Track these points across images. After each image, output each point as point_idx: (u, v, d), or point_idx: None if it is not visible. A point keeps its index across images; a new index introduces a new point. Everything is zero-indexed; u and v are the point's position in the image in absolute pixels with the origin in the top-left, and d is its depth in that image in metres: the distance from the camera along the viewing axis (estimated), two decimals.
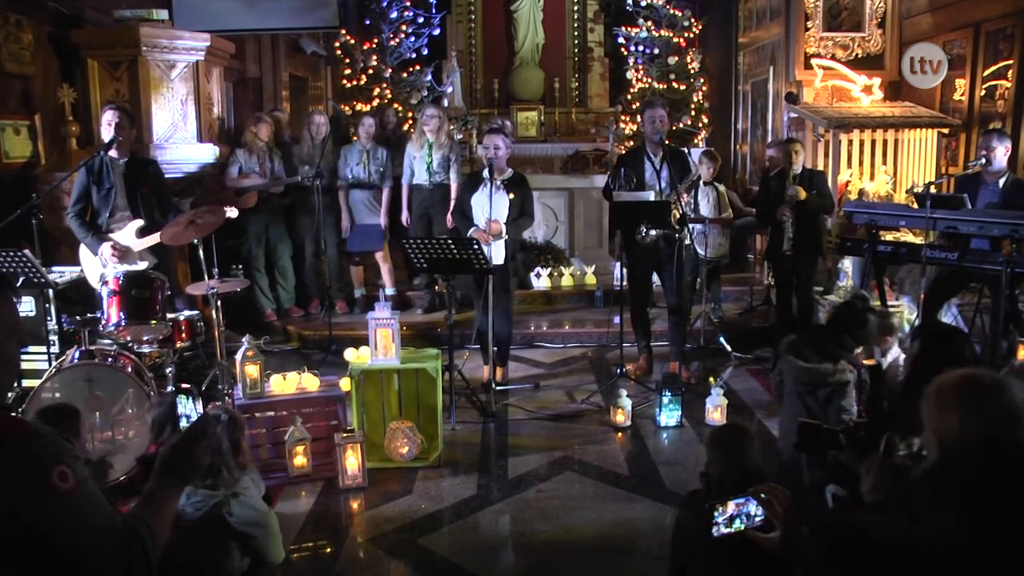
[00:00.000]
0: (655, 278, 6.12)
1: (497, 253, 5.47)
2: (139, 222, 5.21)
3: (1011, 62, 6.73)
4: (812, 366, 4.00)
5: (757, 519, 2.09)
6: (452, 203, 6.56)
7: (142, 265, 5.22)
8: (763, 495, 2.09)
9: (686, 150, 6.20)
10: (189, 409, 4.45)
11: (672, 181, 5.63)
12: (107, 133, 5.20)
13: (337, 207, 7.25)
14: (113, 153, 5.24)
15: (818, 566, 2.03)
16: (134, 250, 5.21)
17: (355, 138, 7.29)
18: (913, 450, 2.66)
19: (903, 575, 1.95)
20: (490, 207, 5.38)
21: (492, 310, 5.43)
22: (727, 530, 2.08)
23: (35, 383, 4.21)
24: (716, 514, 2.07)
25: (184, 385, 4.69)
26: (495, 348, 5.61)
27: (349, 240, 7.27)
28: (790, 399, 4.14)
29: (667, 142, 5.89)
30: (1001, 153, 5.20)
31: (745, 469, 2.73)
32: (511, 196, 5.53)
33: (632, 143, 9.97)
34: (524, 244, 7.74)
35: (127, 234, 5.21)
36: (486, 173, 5.51)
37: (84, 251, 5.31)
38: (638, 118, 10.22)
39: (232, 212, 5.15)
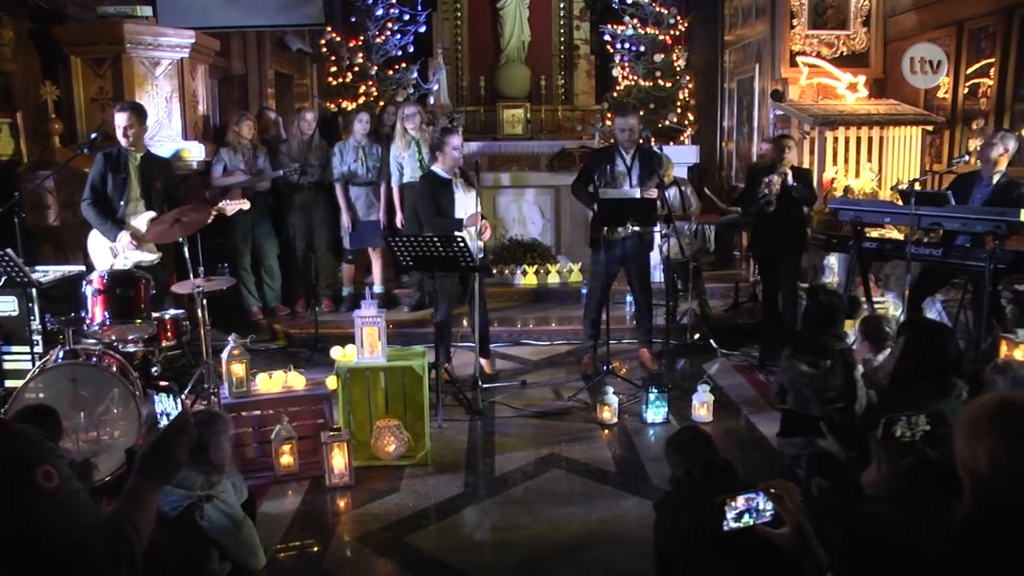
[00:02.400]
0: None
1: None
2: (151, 213, 5.23)
3: (993, 60, 6.79)
4: (812, 371, 3.96)
5: (766, 514, 2.08)
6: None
7: (154, 256, 5.31)
8: (773, 490, 2.07)
9: (659, 148, 6.38)
10: (169, 407, 4.43)
11: (641, 178, 5.79)
12: (122, 139, 5.24)
13: (329, 204, 7.22)
14: (128, 145, 5.30)
15: (843, 561, 1.98)
16: (148, 239, 5.24)
17: (345, 136, 7.27)
18: (916, 431, 2.35)
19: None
20: (479, 206, 5.55)
21: (476, 305, 5.53)
22: (736, 525, 2.07)
23: (19, 383, 4.18)
24: (727, 509, 2.05)
25: (163, 383, 4.67)
26: (478, 342, 5.68)
27: (350, 238, 7.26)
28: (800, 407, 4.12)
29: (641, 141, 5.99)
30: (999, 152, 5.33)
31: (708, 459, 2.76)
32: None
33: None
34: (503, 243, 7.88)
35: (140, 223, 5.23)
36: (442, 172, 5.67)
37: (94, 239, 5.31)
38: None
39: (244, 204, 5.22)
